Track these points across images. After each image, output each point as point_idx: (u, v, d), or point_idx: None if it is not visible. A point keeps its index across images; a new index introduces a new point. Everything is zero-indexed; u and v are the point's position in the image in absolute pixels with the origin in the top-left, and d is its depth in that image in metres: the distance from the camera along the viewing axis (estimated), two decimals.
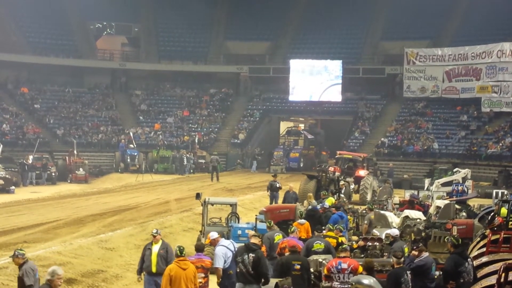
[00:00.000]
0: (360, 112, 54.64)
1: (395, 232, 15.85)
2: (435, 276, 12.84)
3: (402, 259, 12.20)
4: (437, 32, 57.06)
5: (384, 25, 59.37)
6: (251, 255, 12.40)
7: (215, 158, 44.33)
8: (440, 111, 52.56)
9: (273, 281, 12.25)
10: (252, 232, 14.30)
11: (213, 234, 14.16)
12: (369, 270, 11.37)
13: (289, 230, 15.80)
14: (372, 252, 15.44)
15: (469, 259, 12.78)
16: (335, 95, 55.47)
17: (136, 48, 63.02)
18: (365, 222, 20.31)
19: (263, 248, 13.70)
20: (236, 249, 13.31)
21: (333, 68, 55.42)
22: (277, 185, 28.67)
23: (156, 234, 14.08)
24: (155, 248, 13.88)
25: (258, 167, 50.19)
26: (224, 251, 13.35)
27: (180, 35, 61.54)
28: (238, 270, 12.54)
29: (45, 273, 15.35)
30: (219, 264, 13.24)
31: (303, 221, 18.32)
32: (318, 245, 14.46)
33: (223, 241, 13.80)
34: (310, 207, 21.24)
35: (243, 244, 13.08)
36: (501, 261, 12.67)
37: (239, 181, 41.93)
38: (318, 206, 21.24)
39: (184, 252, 11.96)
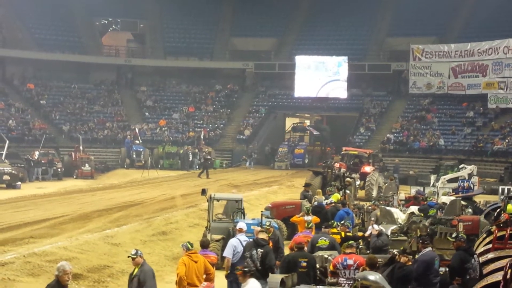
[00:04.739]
0: (365, 109, 54.58)
1: (376, 227, 15.96)
2: (441, 272, 12.82)
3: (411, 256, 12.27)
4: (443, 28, 56.92)
5: (390, 21, 59.26)
6: (260, 250, 12.49)
7: (205, 153, 44.57)
8: (446, 107, 52.48)
9: (278, 277, 12.26)
10: (258, 228, 14.31)
11: (240, 224, 14.37)
12: (372, 266, 11.36)
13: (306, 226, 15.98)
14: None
15: (475, 256, 12.78)
16: (340, 91, 55.44)
17: (142, 44, 63.07)
18: (372, 218, 20.25)
19: (270, 244, 13.68)
20: None
21: (339, 64, 55.33)
22: (310, 195, 25.28)
23: (135, 256, 11.38)
24: (133, 274, 11.46)
25: (257, 163, 50.40)
26: (235, 244, 13.44)
27: (185, 31, 61.52)
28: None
29: (51, 268, 15.48)
30: (227, 253, 13.32)
31: (309, 218, 18.31)
32: (323, 241, 14.47)
33: (241, 235, 13.84)
34: (315, 203, 21.23)
35: (251, 240, 13.10)
36: (507, 257, 12.65)
37: (244, 177, 41.96)
38: (325, 202, 21.23)
39: (193, 246, 12.26)
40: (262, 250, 12.47)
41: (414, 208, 21.23)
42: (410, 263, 12.06)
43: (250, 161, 49.86)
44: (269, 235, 14.16)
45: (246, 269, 10.87)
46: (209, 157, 44.49)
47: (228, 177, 41.50)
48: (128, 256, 11.53)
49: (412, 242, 15.62)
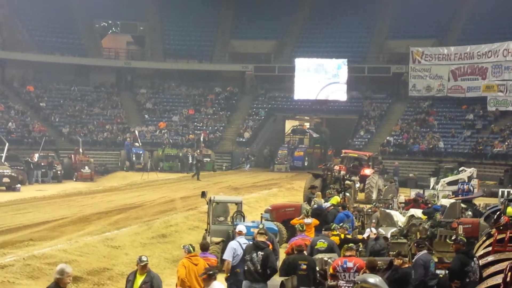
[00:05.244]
0: (365, 111, 54.59)
1: (374, 231, 15.94)
2: (441, 275, 12.81)
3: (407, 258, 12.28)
4: (442, 31, 56.97)
5: (390, 24, 59.31)
6: (260, 253, 12.37)
7: (197, 155, 44.42)
8: (445, 110, 52.51)
9: (278, 280, 12.24)
10: (256, 230, 14.23)
11: (240, 227, 14.28)
12: (372, 269, 11.36)
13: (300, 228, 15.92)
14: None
15: (475, 259, 12.77)
16: (340, 94, 55.46)
17: (142, 46, 63.11)
18: (373, 221, 20.27)
19: (270, 246, 13.64)
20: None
21: (339, 67, 55.35)
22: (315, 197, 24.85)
23: (145, 262, 11.10)
24: (139, 281, 11.07)
25: (256, 166, 50.64)
26: (235, 246, 13.34)
27: (185, 34, 61.55)
28: (246, 268, 12.48)
29: (51, 271, 15.47)
30: (227, 256, 13.25)
31: (309, 220, 18.27)
32: (321, 244, 14.46)
33: (241, 238, 13.76)
34: (315, 205, 21.20)
35: (250, 242, 13.02)
36: (507, 260, 12.63)
37: (244, 180, 41.96)
38: (324, 205, 21.19)
39: (195, 250, 12.29)
40: (262, 253, 12.38)
41: (414, 211, 21.22)
42: (406, 265, 12.07)
43: (247, 164, 49.88)
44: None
45: (210, 272, 10.81)
46: (201, 159, 44.40)
47: (227, 180, 41.49)
48: (141, 263, 11.08)
49: (412, 245, 15.62)
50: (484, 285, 12.00)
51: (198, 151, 47.49)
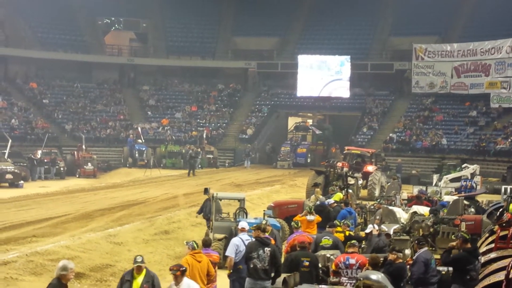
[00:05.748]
0: (368, 108, 54.53)
1: (376, 227, 15.91)
2: (443, 272, 12.82)
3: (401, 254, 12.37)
4: (445, 27, 56.86)
5: (393, 21, 59.20)
6: (268, 249, 12.16)
7: (192, 152, 44.34)
8: (448, 107, 52.43)
9: (281, 276, 12.23)
10: (253, 227, 14.12)
11: (242, 223, 14.23)
12: (375, 265, 11.36)
13: (295, 225, 15.90)
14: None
15: (479, 257, 12.76)
16: (343, 90, 55.42)
17: (144, 43, 63.10)
18: (377, 217, 20.25)
19: (273, 242, 13.61)
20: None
21: (341, 63, 55.31)
22: None
23: (141, 263, 10.83)
24: (138, 281, 10.83)
25: (258, 162, 50.88)
26: (238, 243, 13.28)
27: (188, 31, 61.55)
28: (251, 266, 12.20)
29: (53, 267, 15.50)
30: (230, 253, 13.22)
31: (312, 217, 18.26)
32: (326, 241, 14.45)
33: (243, 234, 13.68)
34: (318, 202, 21.20)
35: (253, 239, 12.93)
36: (509, 257, 12.62)
37: (247, 177, 41.97)
38: (326, 202, 21.18)
39: (199, 246, 12.29)
40: (270, 249, 12.18)
41: (416, 208, 21.22)
42: (401, 260, 12.10)
43: (247, 160, 49.89)
44: (267, 233, 14.04)
45: (183, 268, 10.79)
46: (194, 155, 44.32)
47: (230, 176, 41.52)
48: (137, 264, 10.80)
49: (414, 242, 15.61)
50: (487, 282, 11.99)
51: (193, 147, 47.38)
